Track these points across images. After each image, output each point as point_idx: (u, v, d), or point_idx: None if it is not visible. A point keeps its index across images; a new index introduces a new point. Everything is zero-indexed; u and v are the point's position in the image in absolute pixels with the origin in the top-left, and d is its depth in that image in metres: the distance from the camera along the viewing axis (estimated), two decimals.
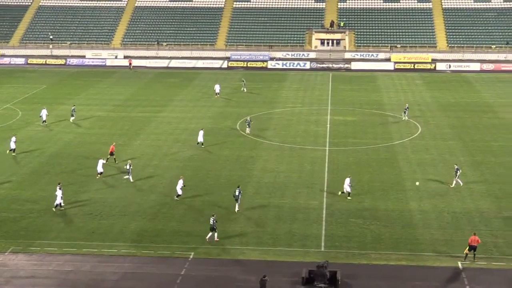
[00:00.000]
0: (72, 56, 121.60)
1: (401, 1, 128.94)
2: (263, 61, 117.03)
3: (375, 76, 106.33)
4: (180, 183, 52.87)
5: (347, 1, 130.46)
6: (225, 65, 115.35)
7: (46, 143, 67.61)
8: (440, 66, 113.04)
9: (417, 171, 59.65)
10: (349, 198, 53.03)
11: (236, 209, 50.34)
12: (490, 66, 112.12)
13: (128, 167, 57.53)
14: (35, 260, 43.25)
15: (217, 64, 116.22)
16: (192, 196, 53.54)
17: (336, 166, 61.06)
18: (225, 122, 76.13)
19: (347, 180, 53.48)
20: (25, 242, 45.52)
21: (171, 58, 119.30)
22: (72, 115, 77.61)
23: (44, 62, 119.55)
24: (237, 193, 50.46)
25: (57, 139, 69.79)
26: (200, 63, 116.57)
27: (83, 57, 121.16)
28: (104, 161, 59.28)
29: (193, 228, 47.67)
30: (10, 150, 64.84)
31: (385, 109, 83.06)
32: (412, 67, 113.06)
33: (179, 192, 52.70)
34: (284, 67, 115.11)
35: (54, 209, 50.96)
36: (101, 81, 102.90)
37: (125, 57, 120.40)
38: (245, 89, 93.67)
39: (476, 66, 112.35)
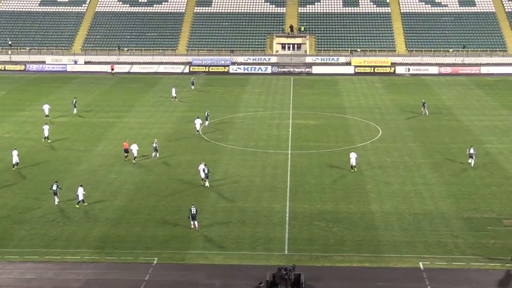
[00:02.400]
0: (32, 62, 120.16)
1: (360, 6, 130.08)
2: (224, 66, 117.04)
3: (336, 80, 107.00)
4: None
5: (307, 5, 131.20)
6: (186, 70, 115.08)
7: (6, 151, 66.43)
8: (399, 70, 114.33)
9: (378, 173, 60.12)
10: (352, 170, 59.49)
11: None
12: (448, 69, 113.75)
13: (155, 144, 63.96)
14: None
15: (178, 69, 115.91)
16: (155, 201, 53.25)
17: (298, 169, 61.25)
18: (188, 127, 75.85)
19: (353, 154, 60.29)
20: None
21: (132, 63, 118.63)
22: (75, 107, 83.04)
23: (2, 68, 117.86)
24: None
25: (17, 145, 68.73)
26: (161, 68, 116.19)
27: (43, 62, 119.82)
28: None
29: (157, 233, 47.39)
30: (45, 138, 69.58)
31: (346, 113, 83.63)
32: (372, 71, 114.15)
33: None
34: (246, 71, 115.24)
35: (77, 205, 51.71)
36: (62, 87, 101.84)
37: (86, 62, 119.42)
38: (193, 87, 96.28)
39: (434, 70, 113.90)
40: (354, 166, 60.53)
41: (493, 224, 49.11)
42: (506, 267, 42.77)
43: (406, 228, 48.27)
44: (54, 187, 52.97)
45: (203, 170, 56.74)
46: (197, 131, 73.19)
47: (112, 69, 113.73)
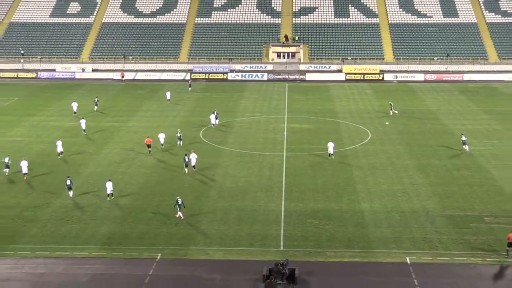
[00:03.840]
0: (43, 70, 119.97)
1: (350, 17, 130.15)
2: (223, 73, 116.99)
3: (328, 86, 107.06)
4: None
5: (301, 16, 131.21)
6: (188, 77, 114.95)
7: (18, 153, 66.38)
8: (388, 77, 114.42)
9: (368, 174, 60.19)
10: (329, 158, 63.27)
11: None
12: (433, 77, 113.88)
13: (178, 134, 68.98)
14: (9, 264, 42.59)
15: (180, 76, 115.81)
16: (158, 200, 53.25)
17: (293, 170, 61.28)
18: (189, 131, 75.86)
19: (331, 144, 63.82)
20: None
21: (137, 71, 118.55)
22: (96, 105, 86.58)
23: (15, 76, 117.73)
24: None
25: (29, 149, 68.78)
26: (164, 75, 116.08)
27: (53, 70, 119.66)
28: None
29: (160, 230, 47.42)
30: (84, 131, 74.07)
31: (337, 117, 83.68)
32: (362, 78, 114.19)
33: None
34: (243, 78, 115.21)
35: (108, 198, 52.99)
36: (71, 93, 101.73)
37: (93, 70, 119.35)
38: (190, 88, 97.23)
39: (420, 77, 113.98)
40: (332, 154, 64.21)
41: (475, 221, 49.23)
42: (487, 261, 42.88)
43: (394, 225, 48.35)
44: (68, 182, 53.75)
45: (188, 159, 60.22)
46: (212, 124, 77.33)
47: (122, 76, 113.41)
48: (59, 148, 65.76)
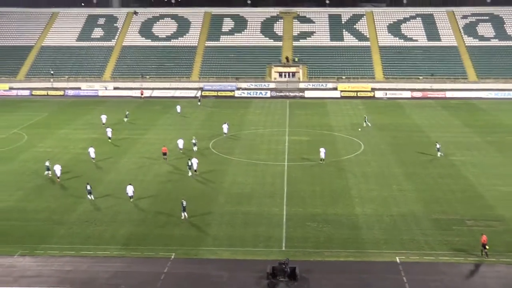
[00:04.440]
0: (70, 88, 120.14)
1: (345, 40, 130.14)
2: (231, 90, 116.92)
3: (325, 103, 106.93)
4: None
5: (300, 40, 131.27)
6: (199, 94, 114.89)
7: (47, 161, 66.42)
8: (378, 94, 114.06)
9: (361, 181, 59.95)
10: (321, 162, 64.61)
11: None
12: (419, 94, 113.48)
13: (194, 141, 70.78)
14: (40, 262, 42.57)
15: (192, 93, 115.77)
16: (172, 205, 53.05)
17: (293, 178, 61.07)
18: (200, 143, 75.72)
19: (322, 150, 65.35)
20: (31, 246, 44.81)
21: (153, 88, 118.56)
22: (126, 117, 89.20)
23: (46, 94, 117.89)
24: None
25: (58, 158, 68.69)
26: (178, 93, 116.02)
27: (79, 88, 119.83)
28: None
29: (174, 232, 47.28)
30: (109, 138, 76.28)
31: (333, 130, 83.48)
32: (355, 95, 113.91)
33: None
34: (249, 95, 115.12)
35: (131, 200, 53.35)
36: (94, 109, 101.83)
37: (114, 88, 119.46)
38: (199, 103, 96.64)
39: (407, 94, 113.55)
40: (323, 159, 65.55)
41: (458, 224, 48.92)
42: (469, 260, 42.57)
43: (384, 228, 48.07)
44: (88, 187, 54.32)
45: (191, 163, 61.63)
46: (224, 133, 78.54)
47: (142, 94, 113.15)
48: (92, 155, 67.73)
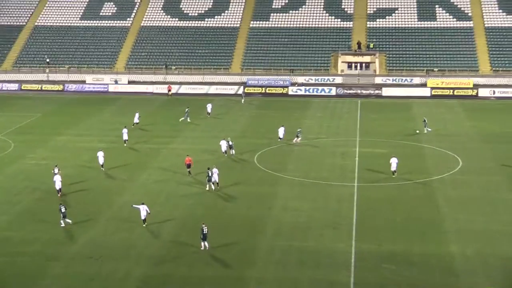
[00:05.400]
0: (71, 81, 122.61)
1: (437, 19, 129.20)
2: (283, 86, 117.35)
3: (409, 104, 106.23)
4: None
5: (377, 19, 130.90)
6: (240, 91, 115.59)
7: (41, 178, 67.75)
8: (483, 92, 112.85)
9: (458, 210, 59.19)
10: (393, 176, 67.00)
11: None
12: None
13: (230, 143, 75.83)
14: None
15: (232, 90, 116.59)
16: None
17: (366, 204, 60.71)
18: (241, 155, 76.00)
19: (394, 160, 67.99)
20: None
21: (180, 83, 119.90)
22: (187, 116, 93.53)
23: (39, 88, 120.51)
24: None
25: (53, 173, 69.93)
26: (213, 89, 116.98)
27: (83, 82, 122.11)
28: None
29: (205, 274, 47.40)
30: (124, 141, 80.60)
31: (421, 141, 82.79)
32: (451, 93, 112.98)
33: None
34: (307, 93, 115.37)
35: (143, 224, 55.23)
36: (102, 109, 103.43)
37: (129, 82, 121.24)
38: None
39: None
40: (395, 171, 67.72)
41: None
42: None
43: (492, 275, 47.21)
44: (63, 209, 55.64)
45: (211, 174, 64.25)
46: (280, 138, 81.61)
47: (169, 90, 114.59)
48: (100, 160, 71.09)
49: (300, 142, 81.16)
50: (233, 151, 76.09)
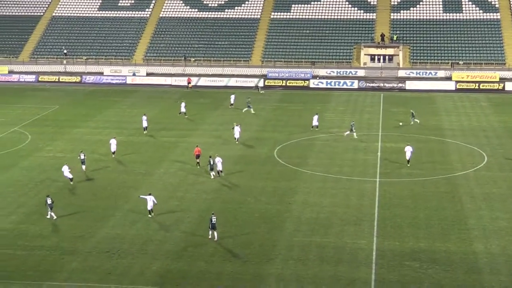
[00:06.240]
0: (89, 73, 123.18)
1: (464, 11, 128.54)
2: (304, 79, 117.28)
3: (433, 97, 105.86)
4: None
5: (401, 11, 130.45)
6: (261, 84, 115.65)
7: (58, 171, 68.21)
8: (510, 86, 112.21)
9: (483, 207, 58.99)
10: (408, 165, 68.88)
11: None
12: None
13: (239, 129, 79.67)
14: None
15: (252, 82, 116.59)
16: (221, 232, 53.47)
17: (388, 200, 60.65)
18: (261, 149, 76.12)
19: (409, 148, 69.94)
20: (33, 283, 45.73)
21: (199, 75, 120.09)
22: (249, 106, 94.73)
23: (57, 80, 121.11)
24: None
25: (70, 167, 70.35)
26: (233, 82, 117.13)
27: (101, 74, 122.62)
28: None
29: (223, 269, 47.56)
30: (144, 128, 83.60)
31: (445, 135, 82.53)
32: (476, 87, 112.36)
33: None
34: (328, 86, 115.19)
35: (149, 215, 56.31)
36: (120, 101, 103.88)
37: (148, 74, 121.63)
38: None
39: None
40: (409, 161, 69.73)
41: None
42: None
43: None
44: (49, 201, 56.34)
45: (213, 162, 66.29)
46: (315, 125, 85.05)
47: (189, 82, 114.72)
48: (113, 147, 73.57)
49: (350, 136, 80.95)
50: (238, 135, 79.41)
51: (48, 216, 56.37)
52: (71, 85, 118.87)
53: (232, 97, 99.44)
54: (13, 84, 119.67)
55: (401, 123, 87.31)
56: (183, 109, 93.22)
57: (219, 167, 66.60)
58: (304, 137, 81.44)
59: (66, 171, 65.15)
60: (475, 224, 55.36)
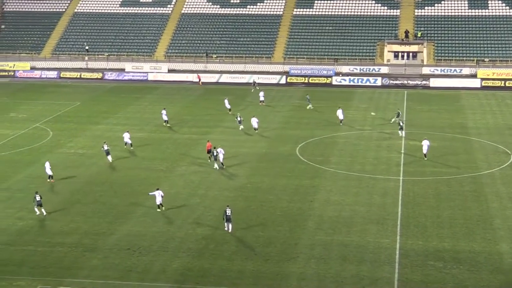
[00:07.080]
0: (110, 69, 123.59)
1: (489, 8, 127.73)
2: (327, 76, 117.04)
3: (458, 95, 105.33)
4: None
5: (426, 7, 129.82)
6: (283, 81, 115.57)
7: (79, 168, 68.61)
8: None
9: (509, 206, 58.63)
10: (425, 159, 69.67)
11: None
12: None
13: (239, 118, 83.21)
14: None
15: (274, 79, 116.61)
16: (243, 230, 53.51)
17: (411, 199, 60.43)
18: (283, 147, 76.07)
19: (426, 142, 71.04)
20: (54, 280, 46.00)
21: (221, 72, 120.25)
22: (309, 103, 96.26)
23: (78, 76, 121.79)
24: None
25: (91, 163, 70.76)
26: (255, 78, 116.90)
27: (122, 70, 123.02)
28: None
29: (245, 267, 47.61)
30: (165, 121, 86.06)
31: (470, 134, 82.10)
32: (502, 85, 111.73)
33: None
34: (351, 83, 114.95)
35: (158, 209, 57.45)
36: (141, 98, 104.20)
37: (169, 70, 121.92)
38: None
39: None
40: (426, 154, 70.75)
41: None
42: None
43: None
44: (38, 198, 56.72)
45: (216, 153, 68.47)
46: (341, 120, 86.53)
47: (199, 79, 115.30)
48: (126, 140, 76.05)
49: (401, 134, 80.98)
50: (242, 126, 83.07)
51: (38, 213, 56.78)
52: (92, 81, 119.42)
53: (261, 93, 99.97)
54: (35, 81, 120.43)
55: (373, 113, 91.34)
56: (227, 105, 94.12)
57: (220, 158, 68.39)
58: (326, 134, 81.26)
59: (47, 167, 65.67)
60: (501, 224, 55.02)
